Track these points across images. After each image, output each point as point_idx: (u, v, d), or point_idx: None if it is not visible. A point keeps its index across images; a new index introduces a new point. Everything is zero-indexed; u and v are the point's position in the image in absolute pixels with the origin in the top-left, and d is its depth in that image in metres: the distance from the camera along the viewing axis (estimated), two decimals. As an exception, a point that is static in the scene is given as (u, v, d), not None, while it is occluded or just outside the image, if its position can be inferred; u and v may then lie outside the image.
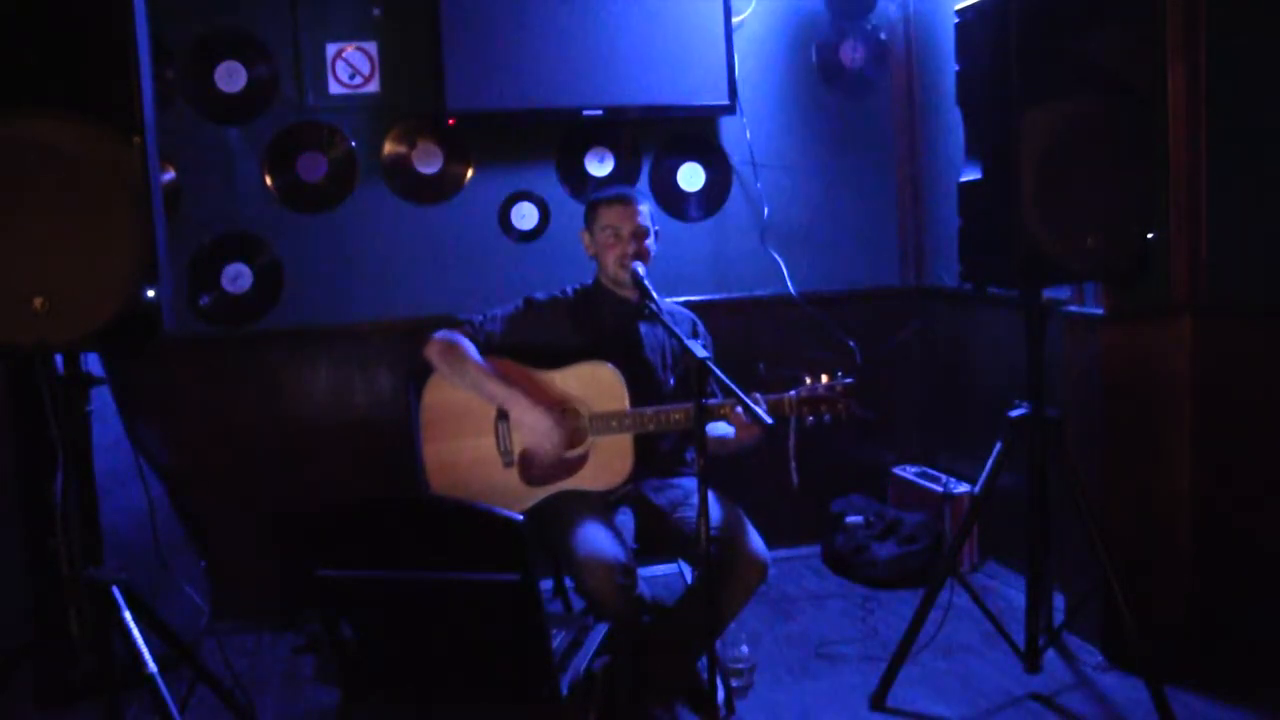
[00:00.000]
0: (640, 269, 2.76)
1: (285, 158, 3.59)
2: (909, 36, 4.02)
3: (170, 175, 3.48)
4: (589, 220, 2.92)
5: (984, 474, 2.77)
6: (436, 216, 3.71)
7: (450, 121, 3.58)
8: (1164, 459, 3.03)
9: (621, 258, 2.81)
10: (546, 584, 3.14)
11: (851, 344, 3.79)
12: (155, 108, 2.19)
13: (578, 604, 2.89)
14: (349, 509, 2.08)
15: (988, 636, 3.11)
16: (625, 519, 2.77)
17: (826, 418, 2.66)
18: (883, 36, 4.02)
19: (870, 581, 3.70)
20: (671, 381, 2.94)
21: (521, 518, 1.94)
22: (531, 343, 2.84)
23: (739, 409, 2.51)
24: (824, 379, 2.67)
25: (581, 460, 2.75)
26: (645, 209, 2.88)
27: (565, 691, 2.12)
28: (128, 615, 2.24)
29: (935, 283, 4.00)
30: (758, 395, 2.64)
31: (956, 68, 2.67)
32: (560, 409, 2.74)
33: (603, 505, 2.74)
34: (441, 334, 2.83)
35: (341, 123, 3.62)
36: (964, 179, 2.66)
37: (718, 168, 3.91)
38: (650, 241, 2.87)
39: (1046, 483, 2.76)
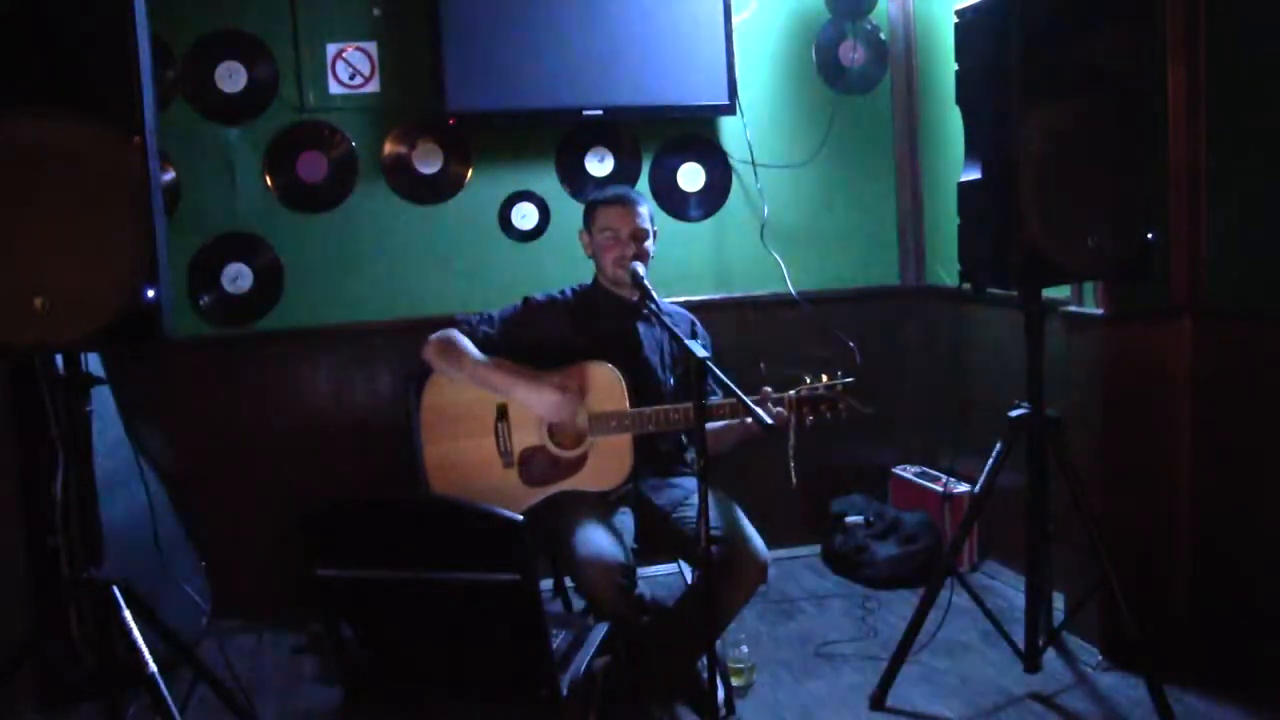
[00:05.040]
0: (639, 269, 2.76)
1: (285, 158, 3.59)
2: (909, 36, 4.02)
3: (170, 175, 3.48)
4: (588, 220, 2.93)
5: (984, 474, 2.77)
6: (436, 216, 3.71)
7: (450, 121, 3.58)
8: (1163, 459, 3.03)
9: (620, 259, 2.81)
10: (546, 584, 3.15)
11: (851, 344, 3.79)
12: (155, 108, 2.19)
13: (578, 604, 2.89)
14: (349, 509, 2.09)
15: (988, 636, 3.11)
16: (625, 519, 2.77)
17: (826, 417, 2.66)
18: (883, 36, 4.02)
19: (870, 581, 3.70)
20: (671, 381, 2.94)
21: (521, 518, 1.94)
22: (531, 343, 2.85)
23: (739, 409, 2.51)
24: (824, 379, 2.68)
25: (581, 460, 2.75)
26: (645, 210, 2.88)
27: (565, 691, 2.12)
28: (128, 615, 2.24)
29: (935, 283, 4.00)
30: (768, 390, 2.64)
31: (956, 68, 2.67)
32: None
33: (603, 505, 2.74)
34: (439, 334, 2.83)
35: (341, 123, 3.62)
36: (964, 179, 2.66)
37: (718, 168, 3.91)
38: (649, 243, 2.87)
39: (1046, 483, 2.76)
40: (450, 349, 2.77)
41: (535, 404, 2.71)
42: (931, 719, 2.78)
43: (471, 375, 2.74)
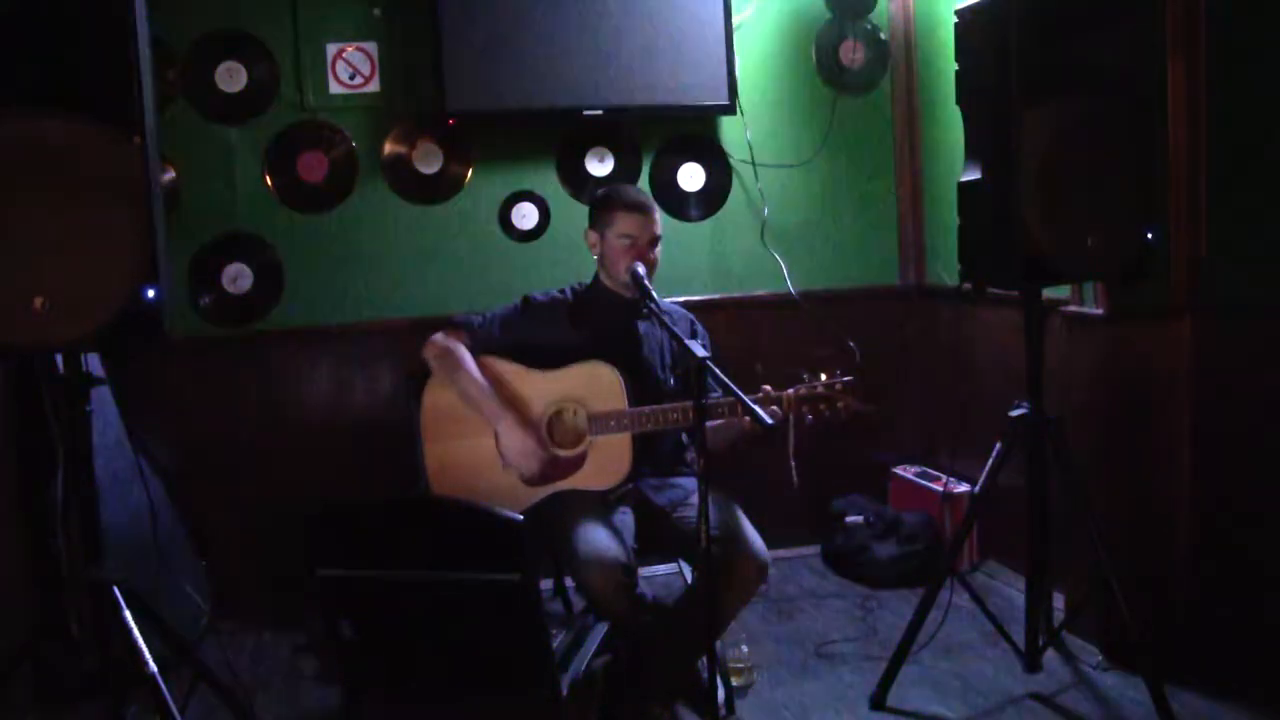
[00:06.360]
0: (639, 269, 2.76)
1: (285, 158, 3.59)
2: (909, 36, 4.02)
3: (170, 175, 3.48)
4: (601, 221, 2.88)
5: (984, 474, 2.77)
6: (436, 216, 3.71)
7: (450, 121, 3.58)
8: (1164, 459, 3.03)
9: (633, 265, 2.79)
10: (546, 584, 3.15)
11: (851, 344, 3.79)
12: (155, 108, 2.19)
13: (578, 604, 2.89)
14: (350, 509, 2.09)
15: (988, 636, 3.11)
16: (625, 519, 2.77)
17: (825, 416, 2.66)
18: (883, 36, 4.02)
19: (870, 581, 3.70)
20: (671, 381, 2.94)
21: (521, 518, 1.94)
22: (530, 343, 2.84)
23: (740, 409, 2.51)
24: (823, 377, 2.67)
25: (580, 460, 2.75)
26: (659, 216, 2.88)
27: (565, 691, 2.12)
28: (128, 615, 2.24)
29: (935, 283, 4.00)
30: (767, 389, 2.64)
31: (956, 68, 2.67)
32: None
33: (602, 505, 2.74)
34: (439, 337, 2.83)
35: (341, 123, 3.62)
36: (964, 179, 2.66)
37: (718, 168, 3.91)
38: (659, 250, 2.87)
39: (1046, 483, 2.76)
40: (448, 359, 2.78)
41: (510, 444, 2.71)
42: (931, 719, 2.78)
43: (463, 393, 2.75)
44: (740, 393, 2.28)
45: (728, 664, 2.90)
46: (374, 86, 3.62)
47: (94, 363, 3.04)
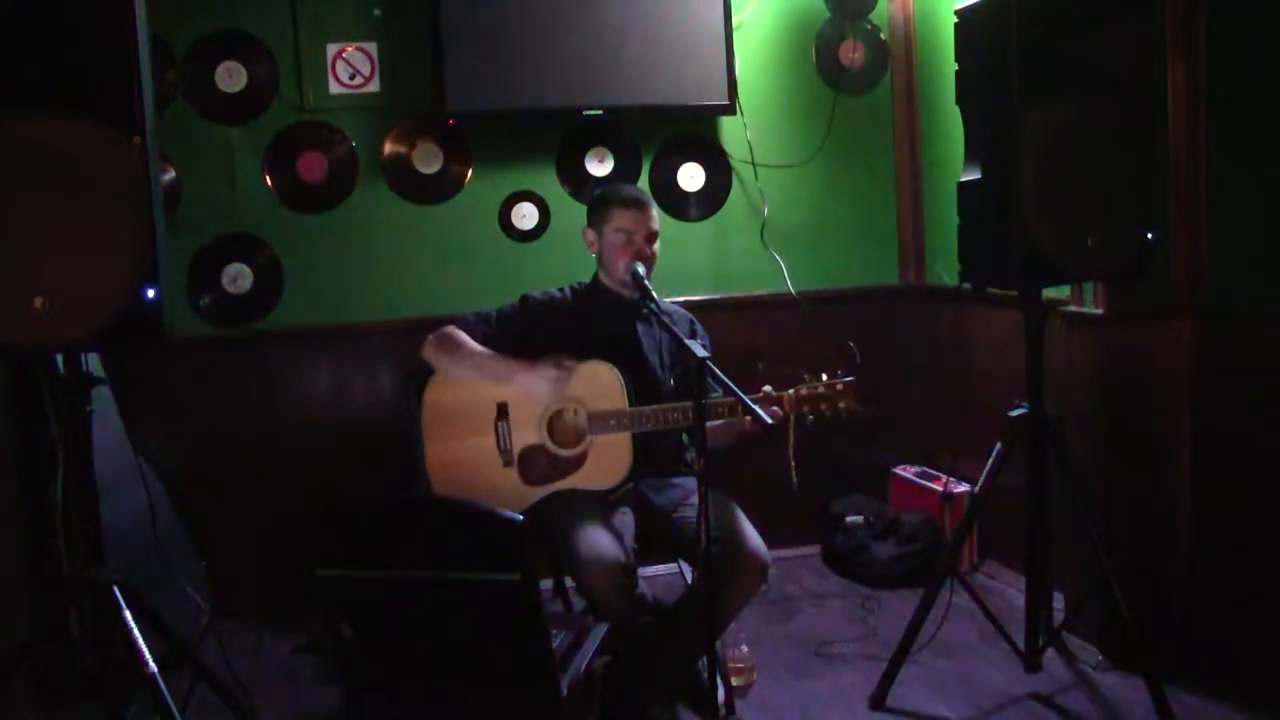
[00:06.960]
0: (640, 268, 2.76)
1: (285, 158, 3.59)
2: (909, 36, 4.02)
3: (170, 175, 3.48)
4: (598, 218, 2.89)
5: (984, 474, 2.77)
6: (436, 216, 3.71)
7: (450, 121, 3.58)
8: (1164, 459, 3.03)
9: (632, 262, 2.80)
10: (546, 584, 3.14)
11: (851, 344, 3.79)
12: (155, 108, 2.19)
13: (578, 604, 2.89)
14: (350, 509, 2.09)
15: (987, 636, 3.11)
16: (625, 519, 2.77)
17: (826, 415, 2.66)
18: (883, 36, 4.02)
19: (870, 581, 3.70)
20: (671, 381, 2.94)
21: (521, 518, 1.94)
22: (529, 342, 2.84)
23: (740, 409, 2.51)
24: (824, 377, 2.67)
25: (580, 459, 2.75)
26: (656, 212, 2.88)
27: (565, 691, 2.12)
28: (128, 615, 2.24)
29: (935, 283, 4.00)
30: (767, 389, 2.64)
31: (956, 68, 2.67)
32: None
33: (602, 505, 2.74)
34: (437, 332, 2.83)
35: (341, 123, 3.62)
36: (964, 179, 2.66)
37: (718, 168, 3.91)
38: (657, 245, 2.87)
39: (1046, 483, 2.76)
40: (449, 343, 2.79)
41: (533, 386, 2.72)
42: (931, 719, 2.78)
43: (472, 365, 2.75)
44: (740, 392, 2.28)
45: (728, 664, 2.90)
46: (374, 86, 3.62)
47: (94, 363, 3.04)
